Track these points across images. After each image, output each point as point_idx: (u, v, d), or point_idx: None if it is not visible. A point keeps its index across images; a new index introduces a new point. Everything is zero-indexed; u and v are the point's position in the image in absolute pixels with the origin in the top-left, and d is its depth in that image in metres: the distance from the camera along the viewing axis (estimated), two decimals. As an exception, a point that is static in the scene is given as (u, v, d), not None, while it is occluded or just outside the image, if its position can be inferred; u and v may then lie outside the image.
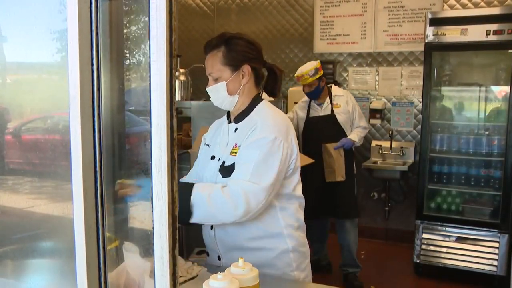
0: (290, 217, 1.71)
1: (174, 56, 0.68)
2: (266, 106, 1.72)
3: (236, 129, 1.71)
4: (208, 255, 1.82)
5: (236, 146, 1.65)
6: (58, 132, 1.01)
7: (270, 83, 1.79)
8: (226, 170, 1.64)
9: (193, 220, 1.55)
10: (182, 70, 4.15)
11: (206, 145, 1.84)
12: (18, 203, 1.20)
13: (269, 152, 1.57)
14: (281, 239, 1.69)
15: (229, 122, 1.76)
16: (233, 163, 1.63)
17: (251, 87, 1.70)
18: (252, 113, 1.69)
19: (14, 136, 1.20)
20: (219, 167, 1.67)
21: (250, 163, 1.56)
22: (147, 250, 0.84)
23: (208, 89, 1.69)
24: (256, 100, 1.71)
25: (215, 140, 1.79)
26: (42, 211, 1.13)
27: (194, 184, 1.59)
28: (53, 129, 1.06)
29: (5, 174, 1.22)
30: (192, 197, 1.53)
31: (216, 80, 1.66)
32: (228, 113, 1.78)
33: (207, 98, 4.46)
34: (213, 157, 1.74)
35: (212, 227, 1.73)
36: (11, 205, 1.22)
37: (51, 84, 1.06)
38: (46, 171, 1.08)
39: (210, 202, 1.52)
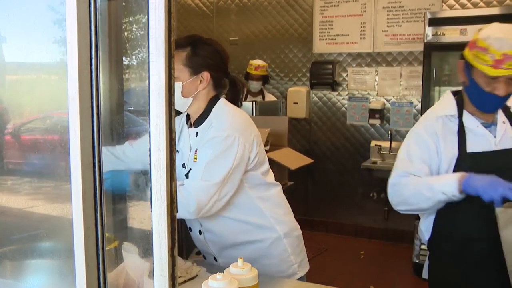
0: (273, 205, 1.74)
1: (173, 57, 0.68)
2: (223, 105, 1.71)
3: (197, 133, 1.70)
4: (204, 258, 1.83)
5: (196, 152, 1.66)
6: (57, 132, 1.01)
7: (231, 96, 1.78)
8: None
9: None
10: (181, 70, 4.15)
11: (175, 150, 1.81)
12: (17, 203, 1.20)
13: (221, 150, 1.57)
14: (270, 229, 1.71)
15: (189, 126, 1.75)
16: None
17: (208, 92, 1.69)
18: (211, 115, 1.68)
19: (14, 136, 1.20)
20: (186, 174, 1.68)
21: (203, 163, 1.58)
22: (146, 250, 0.84)
23: None
24: (214, 101, 1.70)
25: (180, 146, 1.77)
26: (41, 211, 1.13)
27: None
28: (52, 129, 1.06)
29: (4, 174, 1.22)
30: None
31: (175, 79, 1.65)
32: (187, 117, 1.77)
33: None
34: (183, 165, 1.73)
35: (200, 232, 1.74)
36: (10, 205, 1.22)
37: (50, 84, 1.06)
38: (45, 171, 1.08)
39: None
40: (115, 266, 0.99)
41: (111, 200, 0.83)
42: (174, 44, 1.61)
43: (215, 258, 1.76)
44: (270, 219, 1.71)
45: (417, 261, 3.89)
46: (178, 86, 1.63)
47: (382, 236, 4.74)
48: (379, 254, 4.46)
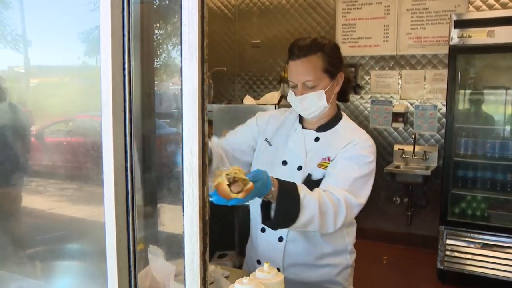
0: (353, 233, 1.72)
1: (206, 61, 0.68)
2: (350, 122, 1.67)
3: (317, 138, 1.62)
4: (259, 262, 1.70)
5: (328, 160, 1.56)
6: (87, 135, 1.02)
7: (345, 88, 1.67)
8: (315, 185, 1.51)
9: (296, 225, 1.36)
10: (203, 73, 4.17)
11: (267, 141, 1.69)
12: (46, 205, 1.22)
13: (367, 173, 1.52)
14: (344, 256, 1.69)
15: (303, 127, 1.66)
16: (323, 177, 1.55)
17: (336, 95, 1.63)
18: (338, 126, 1.63)
19: (38, 139, 1.22)
20: (304, 179, 1.56)
21: (350, 175, 1.48)
22: (174, 254, 0.84)
23: (300, 97, 1.55)
24: (339, 110, 1.67)
25: (280, 140, 1.67)
26: (71, 214, 1.14)
27: (295, 183, 1.41)
28: (82, 132, 1.07)
29: (31, 176, 1.24)
30: (301, 198, 1.35)
31: (312, 88, 1.54)
32: (300, 116, 1.67)
33: (228, 101, 4.51)
34: (284, 162, 1.63)
35: (281, 238, 1.63)
36: (40, 207, 1.24)
37: (80, 87, 1.08)
38: (76, 174, 1.09)
39: (321, 207, 1.38)
40: (141, 268, 0.99)
41: (142, 204, 0.84)
42: (302, 49, 1.53)
43: (278, 270, 1.64)
44: (348, 247, 1.68)
45: (441, 268, 3.82)
46: (322, 95, 1.54)
47: (405, 241, 4.66)
48: (402, 260, 4.39)
